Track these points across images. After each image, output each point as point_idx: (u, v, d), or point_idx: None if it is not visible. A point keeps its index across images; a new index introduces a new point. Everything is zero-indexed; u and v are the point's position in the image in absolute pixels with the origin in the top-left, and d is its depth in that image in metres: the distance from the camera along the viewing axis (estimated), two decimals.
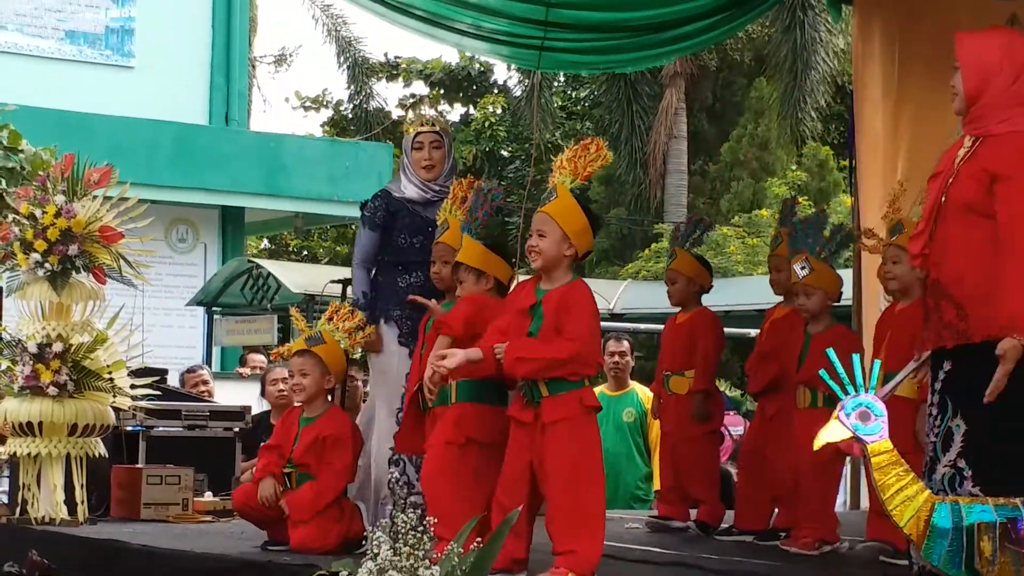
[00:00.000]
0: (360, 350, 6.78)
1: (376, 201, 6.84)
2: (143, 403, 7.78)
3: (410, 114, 6.91)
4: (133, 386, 7.66)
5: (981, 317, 4.71)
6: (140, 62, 19.32)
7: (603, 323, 15.50)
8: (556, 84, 29.96)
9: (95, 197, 7.47)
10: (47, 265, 7.32)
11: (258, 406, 10.14)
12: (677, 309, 7.59)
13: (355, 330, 6.55)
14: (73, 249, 7.33)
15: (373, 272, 6.88)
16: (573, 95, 31.67)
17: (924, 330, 4.97)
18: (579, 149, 5.40)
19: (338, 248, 32.33)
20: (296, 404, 6.69)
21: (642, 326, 16.69)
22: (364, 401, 8.94)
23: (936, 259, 4.90)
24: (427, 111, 6.81)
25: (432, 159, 6.72)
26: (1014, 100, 4.84)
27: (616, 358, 9.45)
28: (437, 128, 6.77)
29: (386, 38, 50.03)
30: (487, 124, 30.63)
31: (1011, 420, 4.60)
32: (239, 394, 11.38)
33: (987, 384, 4.56)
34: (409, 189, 6.77)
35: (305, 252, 32.73)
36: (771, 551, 6.72)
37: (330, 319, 6.57)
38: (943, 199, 4.89)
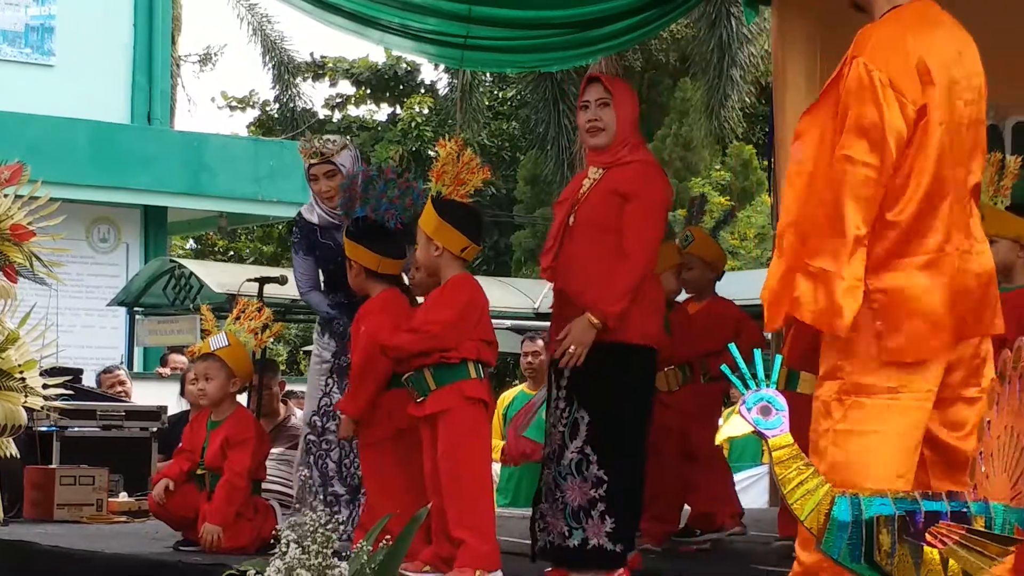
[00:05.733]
0: (264, 349, 6.78)
1: (296, 227, 6.84)
2: (57, 403, 7.68)
3: (300, 144, 6.79)
4: (45, 386, 7.56)
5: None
6: (60, 60, 19.15)
7: (528, 322, 15.52)
8: (483, 84, 29.95)
9: (6, 195, 7.36)
10: None
11: (178, 406, 10.07)
12: None
13: (261, 329, 6.53)
14: None
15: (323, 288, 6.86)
16: (500, 95, 31.68)
17: (554, 334, 5.62)
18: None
19: (264, 248, 32.18)
20: (202, 407, 6.67)
21: None
22: (283, 404, 8.91)
23: (562, 272, 5.61)
24: (315, 141, 6.67)
25: (330, 189, 6.60)
26: (637, 138, 5.72)
27: (530, 358, 9.47)
28: (328, 157, 6.62)
29: (312, 37, 49.90)
30: (413, 124, 30.58)
31: (625, 410, 5.49)
32: (159, 394, 11.30)
33: (609, 380, 5.42)
34: (314, 216, 6.72)
35: (232, 252, 32.57)
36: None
37: (237, 318, 6.54)
38: (571, 221, 5.60)
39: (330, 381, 6.69)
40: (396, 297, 5.98)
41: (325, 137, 6.73)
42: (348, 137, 32.39)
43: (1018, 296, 5.74)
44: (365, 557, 4.60)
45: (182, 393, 10.02)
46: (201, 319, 6.87)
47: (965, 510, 3.50)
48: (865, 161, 4.03)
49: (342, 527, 4.61)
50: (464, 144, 5.71)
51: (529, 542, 5.82)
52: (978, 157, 4.34)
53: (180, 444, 6.77)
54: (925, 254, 4.13)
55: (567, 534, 5.50)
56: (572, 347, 5.41)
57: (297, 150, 6.75)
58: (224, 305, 15.71)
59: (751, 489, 10.21)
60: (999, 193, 6.03)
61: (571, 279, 5.57)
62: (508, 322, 15.22)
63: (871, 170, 4.03)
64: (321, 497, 6.45)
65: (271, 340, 6.94)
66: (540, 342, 9.51)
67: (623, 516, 5.50)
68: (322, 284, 6.84)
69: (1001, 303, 4.33)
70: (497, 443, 9.47)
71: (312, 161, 6.60)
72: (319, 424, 6.64)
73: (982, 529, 3.47)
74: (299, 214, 6.85)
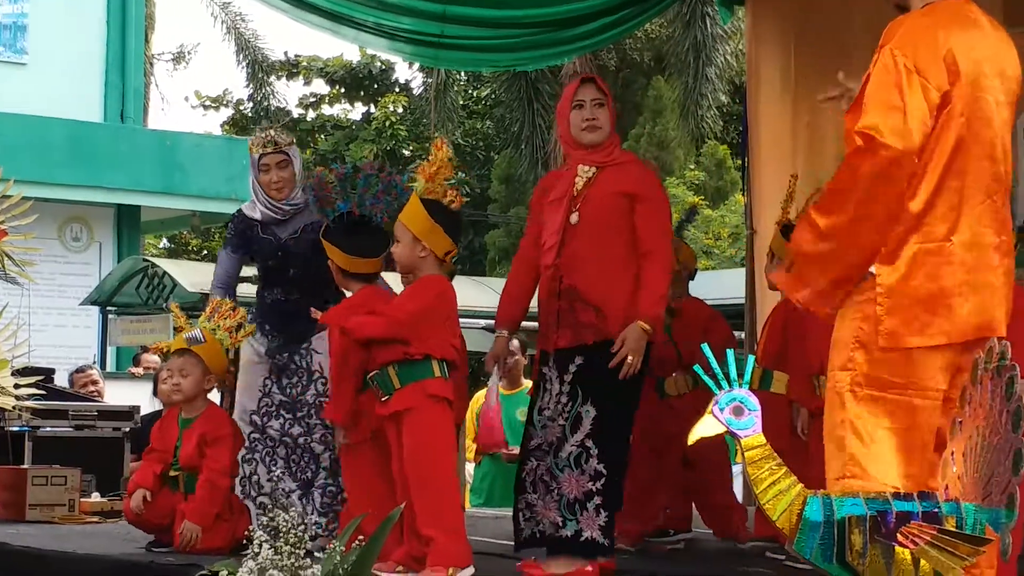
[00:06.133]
0: (237, 348, 6.75)
1: (232, 223, 6.84)
2: (29, 403, 7.64)
3: (253, 135, 6.80)
4: (17, 385, 7.52)
5: (619, 316, 5.52)
6: (33, 59, 19.07)
7: None
8: (458, 83, 29.96)
9: None
10: None
11: (151, 406, 10.03)
12: None
13: (236, 328, 6.51)
14: None
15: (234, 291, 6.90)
16: (474, 94, 31.67)
17: (555, 329, 5.65)
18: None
19: None
20: (175, 404, 6.62)
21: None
22: None
23: (569, 270, 5.63)
24: (269, 131, 6.69)
25: (281, 180, 6.61)
26: (617, 138, 5.83)
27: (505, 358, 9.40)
28: (282, 147, 6.65)
29: (286, 36, 49.81)
30: (388, 123, 30.55)
31: (629, 406, 5.62)
32: (132, 394, 11.25)
33: (618, 373, 5.47)
34: (257, 211, 6.71)
35: (205, 252, 32.47)
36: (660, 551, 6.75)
37: (210, 317, 6.52)
38: (573, 219, 5.63)
39: (268, 381, 6.69)
40: (373, 293, 5.97)
41: (277, 128, 6.75)
42: (323, 136, 32.36)
43: None
44: (338, 557, 4.59)
45: (155, 393, 9.98)
46: (173, 317, 6.85)
47: (936, 510, 3.51)
48: (886, 144, 4.03)
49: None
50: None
51: (503, 541, 5.79)
52: (1009, 157, 4.33)
53: (149, 445, 6.71)
54: (929, 242, 4.14)
55: (561, 524, 5.54)
56: (630, 357, 5.49)
57: (248, 142, 6.75)
58: (198, 304, 15.69)
59: None
60: None
61: (579, 277, 5.62)
62: (482, 322, 15.20)
63: (891, 152, 4.03)
64: (267, 493, 6.48)
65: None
66: (516, 342, 9.47)
67: (613, 511, 5.57)
68: (262, 278, 6.88)
69: None
70: (471, 444, 9.47)
71: (266, 150, 6.61)
72: (259, 423, 6.64)
73: (953, 529, 3.48)
74: (239, 211, 6.84)
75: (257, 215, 6.69)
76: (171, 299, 16.78)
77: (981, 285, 4.16)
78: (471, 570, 5.41)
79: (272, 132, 6.67)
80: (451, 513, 5.43)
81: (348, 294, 6.67)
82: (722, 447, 6.92)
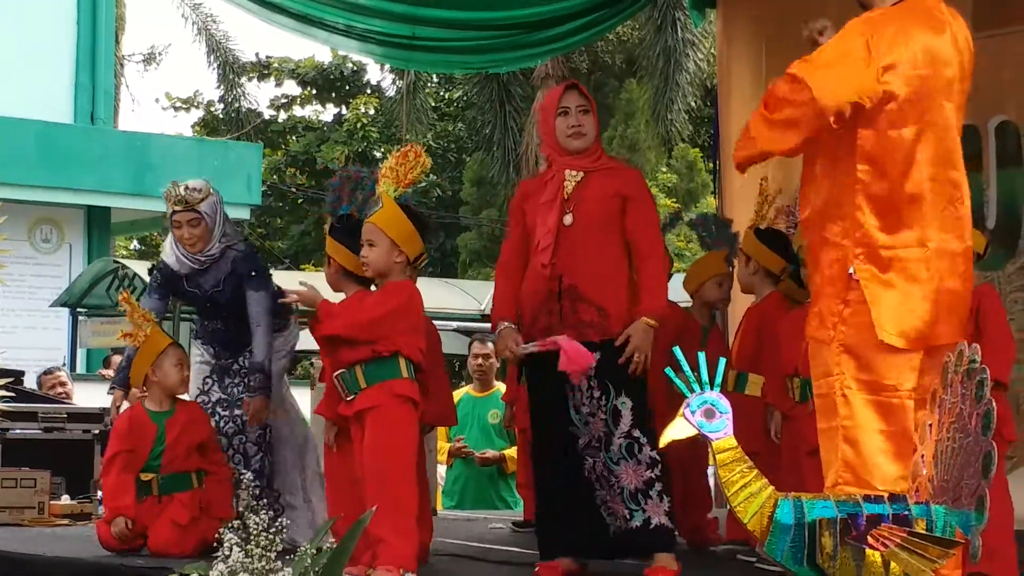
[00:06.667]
0: None
1: (157, 271, 6.89)
2: None
3: (167, 188, 6.77)
4: None
5: (620, 315, 5.61)
6: (3, 59, 18.97)
7: (474, 324, 15.48)
8: (429, 85, 29.95)
9: None
10: None
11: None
12: None
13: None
14: None
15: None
16: (446, 96, 31.67)
17: (559, 329, 5.62)
18: (400, 157, 5.70)
19: None
20: (179, 394, 6.65)
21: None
22: None
23: (568, 271, 5.66)
24: (180, 189, 6.64)
25: (192, 236, 6.64)
26: (600, 143, 5.90)
27: (480, 360, 9.43)
28: (192, 205, 6.62)
29: (257, 37, 49.67)
30: (359, 125, 30.52)
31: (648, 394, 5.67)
32: (102, 396, 11.19)
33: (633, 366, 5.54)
34: (174, 262, 6.76)
35: None
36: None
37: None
38: (567, 221, 5.67)
39: (209, 380, 6.81)
40: (365, 297, 5.96)
41: (189, 185, 6.70)
42: (295, 137, 32.25)
43: None
44: (309, 560, 4.57)
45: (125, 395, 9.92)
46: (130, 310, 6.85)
47: (906, 513, 3.52)
48: (810, 90, 4.09)
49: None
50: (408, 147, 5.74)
51: (474, 544, 5.75)
52: (962, 162, 4.36)
53: (117, 447, 6.59)
54: (903, 248, 4.16)
55: (628, 516, 5.57)
56: (637, 355, 5.55)
57: (162, 195, 6.75)
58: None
59: None
60: None
61: (578, 277, 5.66)
62: (454, 324, 15.21)
63: (810, 97, 4.09)
64: None
65: None
66: (490, 344, 9.45)
67: (671, 496, 5.62)
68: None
69: None
70: (443, 446, 9.45)
71: (176, 208, 6.62)
72: None
73: (923, 532, 3.49)
74: (161, 262, 6.87)
75: (175, 263, 6.74)
76: (142, 301, 16.73)
77: (947, 291, 4.20)
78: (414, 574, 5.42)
79: (183, 190, 6.64)
80: (404, 513, 5.41)
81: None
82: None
